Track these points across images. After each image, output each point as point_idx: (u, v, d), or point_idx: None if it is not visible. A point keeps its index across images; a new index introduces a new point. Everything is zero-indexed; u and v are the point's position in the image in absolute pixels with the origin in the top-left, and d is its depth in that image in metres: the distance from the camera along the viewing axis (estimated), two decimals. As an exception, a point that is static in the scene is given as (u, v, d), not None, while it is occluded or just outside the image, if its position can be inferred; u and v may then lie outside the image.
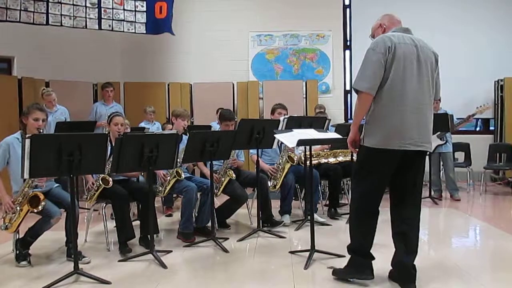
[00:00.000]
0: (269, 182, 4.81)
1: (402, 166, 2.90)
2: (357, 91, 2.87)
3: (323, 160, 5.33)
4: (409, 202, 2.95)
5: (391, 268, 3.06)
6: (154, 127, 6.78)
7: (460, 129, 6.66)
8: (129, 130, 5.10)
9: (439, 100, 6.51)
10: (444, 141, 6.36)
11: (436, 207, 5.89)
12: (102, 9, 6.87)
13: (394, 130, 2.80)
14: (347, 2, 8.64)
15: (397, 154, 2.83)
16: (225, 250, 3.89)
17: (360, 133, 2.99)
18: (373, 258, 3.03)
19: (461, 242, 4.36)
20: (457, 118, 6.50)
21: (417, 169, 2.96)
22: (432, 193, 6.27)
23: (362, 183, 2.97)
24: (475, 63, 8.06)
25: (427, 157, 6.27)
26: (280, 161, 4.87)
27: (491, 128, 8.31)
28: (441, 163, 6.52)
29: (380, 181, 2.95)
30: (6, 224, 3.53)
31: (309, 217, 3.75)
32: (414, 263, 2.92)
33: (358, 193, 3.03)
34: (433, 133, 6.20)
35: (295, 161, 4.81)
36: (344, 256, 3.41)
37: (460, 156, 7.30)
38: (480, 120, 8.35)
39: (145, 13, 7.16)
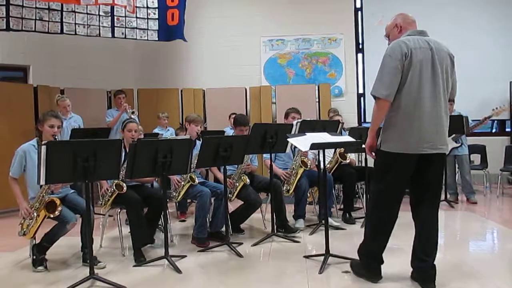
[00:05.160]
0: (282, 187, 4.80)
1: (420, 168, 2.93)
2: (375, 97, 2.89)
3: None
4: (426, 204, 2.98)
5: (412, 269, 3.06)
6: (168, 133, 6.81)
7: (475, 131, 6.58)
8: (142, 136, 5.15)
9: (453, 101, 6.44)
10: (460, 144, 6.29)
11: (452, 211, 5.81)
12: (115, 17, 6.96)
13: (412, 134, 2.85)
14: (358, 5, 8.62)
15: (414, 157, 2.88)
16: (239, 255, 3.89)
17: (377, 137, 3.03)
18: (382, 263, 3.08)
19: (478, 246, 4.29)
20: (473, 120, 6.43)
21: (435, 171, 2.97)
22: (448, 196, 6.19)
23: (380, 184, 3.02)
24: (490, 64, 7.97)
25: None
26: (294, 165, 4.86)
27: (507, 129, 8.19)
28: (457, 165, 6.45)
29: (398, 183, 2.97)
30: (24, 230, 3.58)
31: (323, 221, 3.73)
32: (435, 263, 2.93)
33: (375, 194, 3.07)
34: (448, 136, 6.22)
35: (308, 166, 4.79)
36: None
37: (476, 158, 7.20)
38: (496, 121, 8.24)
39: (157, 20, 7.23)
